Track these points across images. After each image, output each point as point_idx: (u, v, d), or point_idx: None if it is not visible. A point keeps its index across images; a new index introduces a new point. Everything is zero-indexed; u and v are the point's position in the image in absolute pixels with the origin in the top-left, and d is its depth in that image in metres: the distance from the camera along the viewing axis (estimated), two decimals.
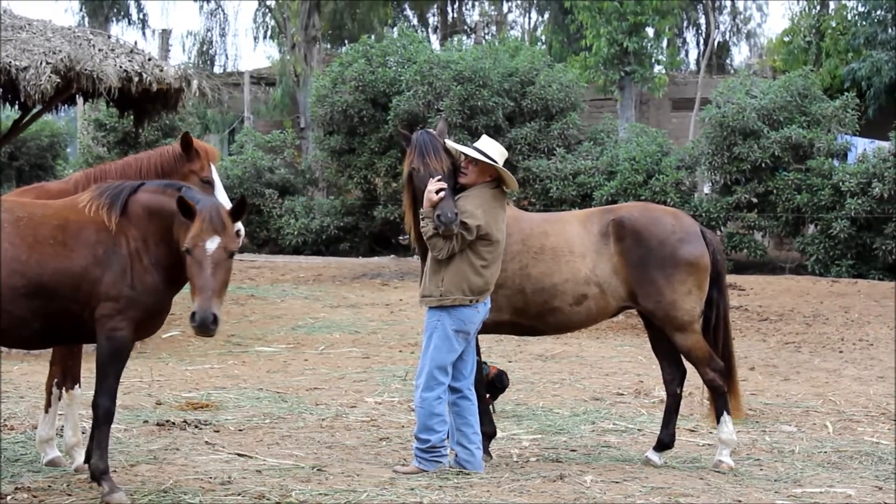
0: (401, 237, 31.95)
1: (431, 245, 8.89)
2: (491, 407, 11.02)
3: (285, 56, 43.97)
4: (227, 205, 8.69)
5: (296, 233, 32.63)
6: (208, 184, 9.38)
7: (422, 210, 8.90)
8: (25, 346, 8.98)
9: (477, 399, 9.32)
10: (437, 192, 8.82)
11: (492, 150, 9.14)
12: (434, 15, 54.91)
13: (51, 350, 9.25)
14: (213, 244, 7.82)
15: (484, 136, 9.51)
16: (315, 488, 8.32)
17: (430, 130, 9.27)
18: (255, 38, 49.67)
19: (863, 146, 28.36)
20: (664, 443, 9.70)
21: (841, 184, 26.51)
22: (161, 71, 16.57)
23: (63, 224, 8.07)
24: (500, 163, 9.11)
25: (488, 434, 9.64)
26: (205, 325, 7.68)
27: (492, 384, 11.11)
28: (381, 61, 31.25)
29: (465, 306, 8.96)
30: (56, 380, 9.25)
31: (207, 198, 8.13)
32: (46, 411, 9.26)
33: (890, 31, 34.11)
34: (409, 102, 29.26)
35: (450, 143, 9.21)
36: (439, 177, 8.92)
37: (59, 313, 8.00)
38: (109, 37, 17.75)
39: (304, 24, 40.89)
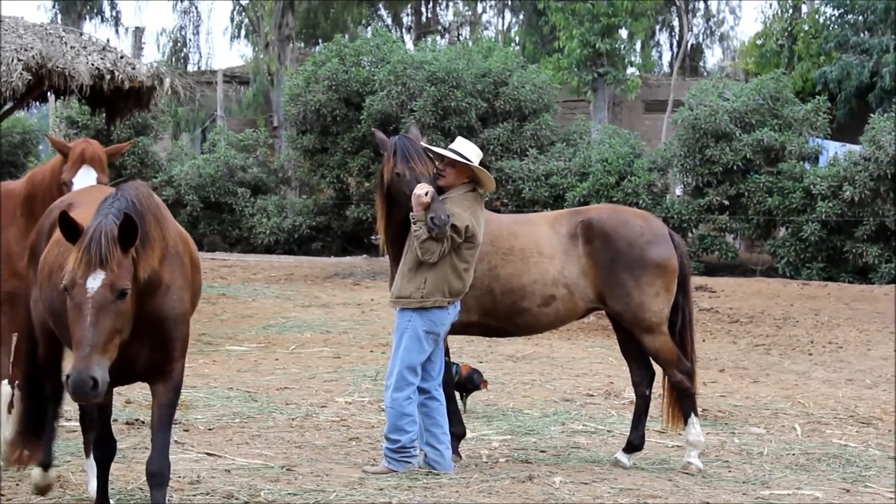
0: (373, 237, 31.98)
1: (424, 249, 8.83)
2: (461, 406, 11.06)
3: (259, 55, 43.90)
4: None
5: (268, 232, 32.61)
6: (65, 186, 8.90)
7: (413, 214, 8.83)
8: None
9: (446, 399, 9.34)
10: (427, 195, 8.81)
11: (468, 151, 9.14)
12: (408, 15, 54.93)
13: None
14: (94, 283, 6.17)
15: (459, 138, 9.48)
16: (284, 488, 8.31)
17: (407, 135, 9.24)
18: (231, 38, 49.54)
19: (834, 150, 28.52)
20: (633, 444, 9.71)
21: (812, 187, 26.67)
22: (133, 69, 16.53)
23: None
24: (476, 164, 9.12)
25: (458, 434, 9.64)
26: (81, 393, 6.04)
27: (462, 385, 11.17)
28: (354, 61, 31.26)
29: (438, 308, 8.97)
30: (17, 381, 9.20)
31: (108, 217, 6.37)
32: (9, 412, 9.22)
33: (861, 34, 34.29)
34: (383, 102, 29.26)
35: (425, 146, 9.21)
36: (426, 180, 8.91)
37: None
38: (82, 34, 17.69)
39: (278, 22, 40.82)
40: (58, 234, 6.92)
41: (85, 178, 8.88)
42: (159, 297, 6.65)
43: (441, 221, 8.72)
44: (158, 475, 6.90)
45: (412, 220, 8.86)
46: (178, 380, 7.04)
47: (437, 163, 9.20)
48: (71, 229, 6.30)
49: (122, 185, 6.74)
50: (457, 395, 11.14)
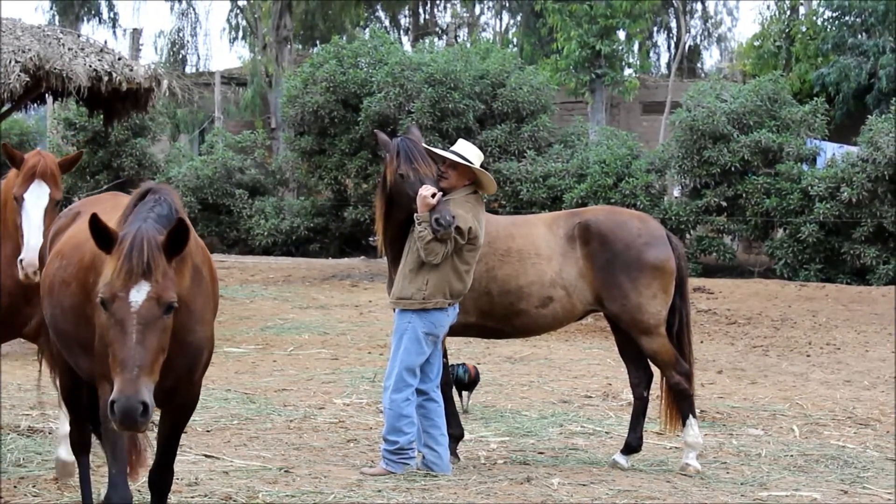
0: (371, 238, 31.97)
1: (428, 250, 8.84)
2: (463, 407, 11.09)
3: (257, 56, 43.90)
4: (36, 235, 7.38)
5: (266, 233, 32.59)
6: (17, 202, 8.28)
7: (417, 215, 8.86)
8: None
9: (444, 401, 9.34)
10: (433, 196, 8.81)
11: (470, 153, 9.16)
12: (406, 16, 54.92)
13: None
14: (138, 295, 5.49)
15: (460, 140, 9.51)
16: (282, 490, 8.31)
17: (409, 136, 9.24)
18: (229, 39, 49.58)
19: (831, 151, 28.51)
20: (631, 446, 9.72)
21: (810, 188, 26.67)
22: (131, 70, 16.55)
23: None
24: (478, 166, 9.13)
25: (456, 436, 9.64)
26: (130, 420, 5.37)
27: (470, 385, 11.25)
28: (352, 62, 31.22)
29: (438, 310, 8.97)
30: None
31: (147, 221, 5.74)
32: None
33: (859, 36, 34.31)
34: (381, 104, 29.23)
35: (426, 147, 9.21)
36: (430, 182, 8.92)
37: None
38: (79, 36, 17.71)
39: (276, 24, 40.81)
40: (58, 246, 6.61)
41: (37, 194, 8.28)
42: (180, 317, 5.88)
43: (446, 222, 8.73)
44: (160, 483, 6.66)
45: (416, 221, 8.86)
46: (193, 402, 6.74)
47: (438, 164, 9.21)
48: (103, 235, 5.64)
49: (156, 187, 6.09)
50: (463, 394, 11.24)
